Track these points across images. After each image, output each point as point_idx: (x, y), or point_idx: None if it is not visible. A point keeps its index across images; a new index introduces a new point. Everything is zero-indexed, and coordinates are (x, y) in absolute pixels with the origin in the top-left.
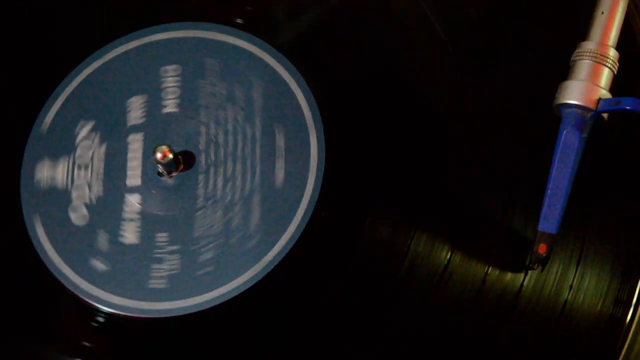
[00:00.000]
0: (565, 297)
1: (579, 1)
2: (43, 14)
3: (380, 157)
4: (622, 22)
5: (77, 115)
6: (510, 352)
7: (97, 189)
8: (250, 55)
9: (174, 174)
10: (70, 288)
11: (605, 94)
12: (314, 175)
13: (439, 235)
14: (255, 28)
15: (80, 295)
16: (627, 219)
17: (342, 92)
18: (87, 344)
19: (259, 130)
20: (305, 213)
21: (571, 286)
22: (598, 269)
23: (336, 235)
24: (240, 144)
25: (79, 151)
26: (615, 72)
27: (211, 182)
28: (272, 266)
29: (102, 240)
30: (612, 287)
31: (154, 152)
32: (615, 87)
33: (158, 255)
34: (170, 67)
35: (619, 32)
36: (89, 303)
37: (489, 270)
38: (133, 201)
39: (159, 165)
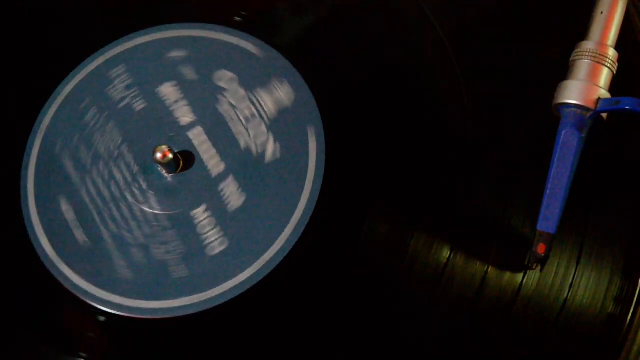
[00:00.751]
0: (565, 296)
1: (578, 1)
2: (43, 14)
3: (380, 157)
4: (621, 22)
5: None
6: (510, 352)
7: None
8: (250, 55)
9: (174, 173)
10: (70, 288)
11: (604, 93)
12: (314, 175)
13: (438, 235)
14: (255, 28)
15: (80, 296)
16: (627, 219)
17: (342, 92)
18: (86, 343)
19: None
20: (305, 213)
21: (571, 285)
22: (598, 269)
23: (336, 235)
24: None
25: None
26: (615, 72)
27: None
28: (272, 266)
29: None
30: (612, 287)
31: (154, 152)
32: (615, 87)
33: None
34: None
35: (618, 32)
36: (89, 303)
37: (489, 270)
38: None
39: (159, 165)
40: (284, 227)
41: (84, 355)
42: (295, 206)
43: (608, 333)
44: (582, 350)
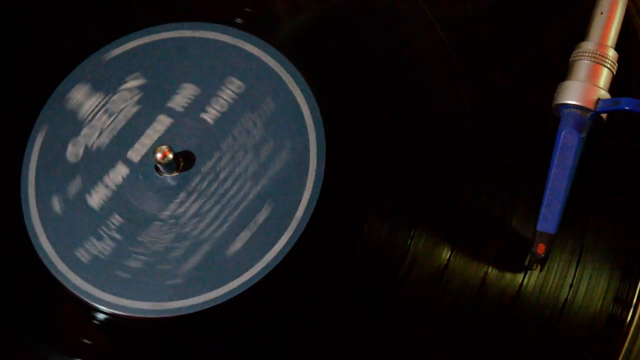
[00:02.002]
0: (565, 296)
1: (578, 1)
2: (43, 14)
3: (380, 157)
4: (621, 23)
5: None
6: (511, 352)
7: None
8: (250, 55)
9: (174, 173)
10: (70, 288)
11: (604, 94)
12: (314, 174)
13: (438, 235)
14: (255, 28)
15: (80, 296)
16: (627, 219)
17: (342, 92)
18: (87, 343)
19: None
20: (305, 213)
21: (571, 286)
22: (598, 269)
23: (336, 235)
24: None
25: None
26: (615, 73)
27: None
28: (273, 266)
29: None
30: (612, 287)
31: (154, 152)
32: (615, 87)
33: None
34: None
35: (618, 33)
36: (89, 303)
37: (489, 270)
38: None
39: (159, 165)
40: (285, 227)
41: (84, 355)
42: (295, 206)
43: (608, 333)
44: (582, 350)
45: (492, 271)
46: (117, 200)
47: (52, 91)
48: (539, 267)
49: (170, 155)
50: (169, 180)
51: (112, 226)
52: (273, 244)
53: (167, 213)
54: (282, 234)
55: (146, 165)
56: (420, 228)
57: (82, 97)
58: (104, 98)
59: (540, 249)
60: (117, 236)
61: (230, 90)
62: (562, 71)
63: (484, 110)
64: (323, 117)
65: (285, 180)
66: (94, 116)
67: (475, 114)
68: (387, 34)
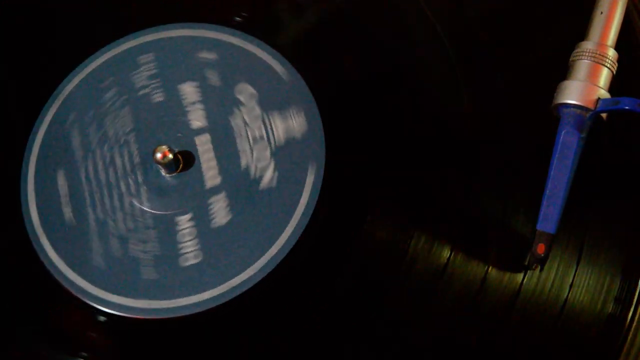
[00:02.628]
0: (565, 296)
1: (578, 1)
2: (43, 14)
3: (380, 157)
4: (621, 22)
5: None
6: (511, 352)
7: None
8: (250, 55)
9: (173, 173)
10: (70, 288)
11: (604, 94)
12: (314, 175)
13: (438, 235)
14: (255, 28)
15: (80, 296)
16: (627, 219)
17: (342, 92)
18: (87, 343)
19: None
20: (305, 213)
21: (571, 285)
22: (598, 269)
23: (336, 235)
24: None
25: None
26: (614, 72)
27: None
28: (272, 266)
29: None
30: (612, 287)
31: (154, 152)
32: (615, 87)
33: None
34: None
35: (618, 32)
36: (89, 303)
37: (489, 270)
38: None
39: (159, 165)
40: (284, 226)
41: (84, 355)
42: (295, 206)
43: (608, 333)
44: (582, 350)
45: (492, 271)
46: (119, 197)
47: (52, 91)
48: (538, 267)
49: (170, 155)
50: (169, 180)
51: (113, 224)
52: (273, 244)
53: (165, 213)
54: (282, 234)
55: (151, 179)
56: (420, 228)
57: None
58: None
59: (540, 248)
60: (118, 235)
61: (247, 105)
62: (562, 71)
63: (484, 110)
64: (323, 117)
65: (284, 180)
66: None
67: (475, 114)
68: (388, 33)
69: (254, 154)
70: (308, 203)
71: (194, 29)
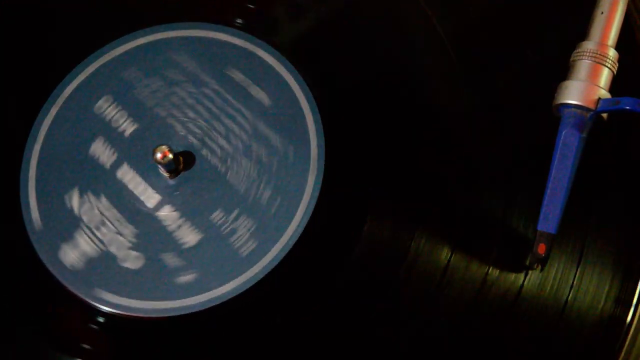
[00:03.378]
0: (566, 297)
1: (579, 1)
2: (43, 14)
3: (381, 157)
4: (621, 22)
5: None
6: (511, 352)
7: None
8: (251, 55)
9: (173, 173)
10: (71, 288)
11: (604, 94)
12: (314, 175)
13: (439, 236)
14: (255, 28)
15: (80, 295)
16: (627, 219)
17: (342, 92)
18: (87, 343)
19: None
20: (305, 213)
21: (572, 286)
22: (598, 269)
23: (336, 235)
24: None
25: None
26: (615, 72)
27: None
28: (273, 266)
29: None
30: (613, 287)
31: (154, 152)
32: (615, 87)
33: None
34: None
35: (618, 32)
36: (89, 303)
37: (490, 270)
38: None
39: (159, 165)
40: (285, 227)
41: (84, 355)
42: (295, 206)
43: (608, 333)
44: (582, 350)
45: (492, 271)
46: (118, 197)
47: (52, 91)
48: (539, 267)
49: (170, 155)
50: (169, 181)
51: (163, 244)
52: (273, 244)
53: (164, 213)
54: (282, 234)
55: (152, 179)
56: (421, 228)
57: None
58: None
59: (541, 248)
60: (118, 235)
61: (229, 90)
62: (563, 71)
63: (484, 110)
64: (323, 117)
65: (284, 179)
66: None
67: (476, 114)
68: (388, 33)
69: (253, 159)
70: (309, 203)
71: (192, 30)
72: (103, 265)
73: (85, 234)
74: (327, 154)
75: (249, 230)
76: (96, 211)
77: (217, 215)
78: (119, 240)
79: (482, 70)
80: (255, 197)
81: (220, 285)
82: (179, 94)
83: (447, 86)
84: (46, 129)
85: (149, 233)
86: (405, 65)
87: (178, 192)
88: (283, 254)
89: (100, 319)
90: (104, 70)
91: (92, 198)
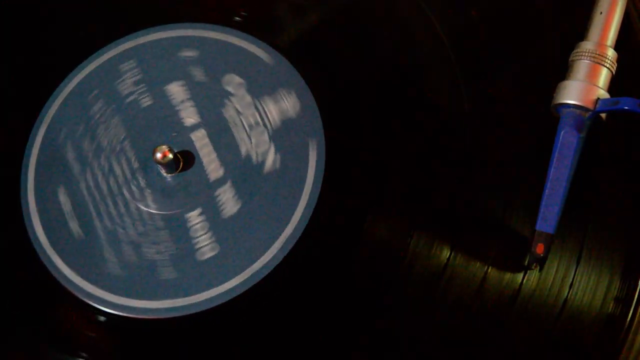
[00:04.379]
0: (565, 296)
1: (578, 1)
2: (43, 14)
3: (380, 157)
4: (620, 22)
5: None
6: (510, 352)
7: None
8: (250, 55)
9: (174, 173)
10: (71, 288)
11: (603, 94)
12: (314, 175)
13: (438, 236)
14: (255, 28)
15: (80, 296)
16: (627, 219)
17: (342, 92)
18: (87, 343)
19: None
20: (305, 213)
21: (571, 285)
22: (598, 269)
23: (336, 235)
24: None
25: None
26: (614, 72)
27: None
28: (273, 266)
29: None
30: (612, 287)
31: (154, 152)
32: (614, 87)
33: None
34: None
35: (617, 32)
36: (89, 303)
37: (489, 270)
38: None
39: (159, 165)
40: (284, 226)
41: (84, 355)
42: (295, 206)
43: (608, 333)
44: (582, 350)
45: (491, 271)
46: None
47: (53, 90)
48: (538, 267)
49: (170, 155)
50: (169, 180)
51: (163, 244)
52: (273, 243)
53: (145, 207)
54: (282, 233)
55: (151, 178)
56: (420, 228)
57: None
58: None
59: (539, 248)
60: (118, 234)
61: (237, 95)
62: (562, 71)
63: (484, 110)
64: (323, 117)
65: (284, 179)
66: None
67: (475, 114)
68: (388, 34)
69: (253, 140)
70: (308, 203)
71: (173, 30)
72: (94, 260)
73: (81, 226)
74: (327, 153)
75: (249, 230)
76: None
77: (216, 215)
78: (112, 236)
79: (482, 70)
80: (254, 197)
81: (220, 285)
82: (166, 94)
83: (446, 86)
84: (51, 117)
85: (142, 232)
86: (405, 65)
87: (183, 190)
88: (283, 254)
89: (101, 319)
90: (103, 71)
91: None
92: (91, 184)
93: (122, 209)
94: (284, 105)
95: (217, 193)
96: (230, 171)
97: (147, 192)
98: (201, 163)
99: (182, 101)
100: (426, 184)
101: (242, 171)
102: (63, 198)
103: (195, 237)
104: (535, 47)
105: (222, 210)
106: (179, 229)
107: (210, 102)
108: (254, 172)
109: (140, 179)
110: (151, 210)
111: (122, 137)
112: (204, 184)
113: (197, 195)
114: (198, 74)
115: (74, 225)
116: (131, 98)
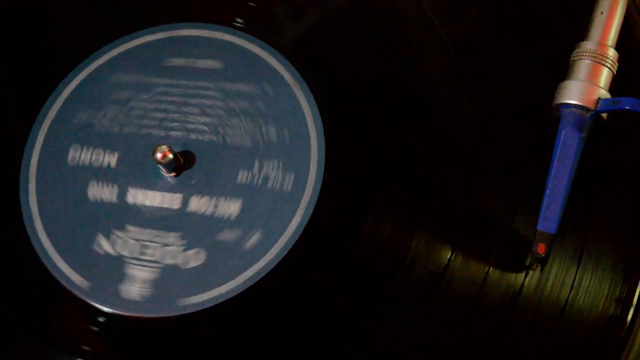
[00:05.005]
0: (566, 296)
1: (578, 1)
2: (43, 14)
3: (381, 157)
4: (621, 22)
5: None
6: (511, 352)
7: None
8: (251, 55)
9: (174, 173)
10: (70, 288)
11: (604, 93)
12: (314, 175)
13: (439, 236)
14: (256, 28)
15: (80, 296)
16: (627, 219)
17: (342, 92)
18: (87, 343)
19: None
20: (305, 213)
21: (572, 286)
22: (599, 269)
23: (336, 235)
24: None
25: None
26: (615, 72)
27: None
28: (273, 266)
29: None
30: (613, 287)
31: (154, 152)
32: (615, 86)
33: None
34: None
35: (618, 32)
36: (89, 303)
37: (489, 270)
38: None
39: (159, 165)
40: (285, 226)
41: (84, 355)
42: (295, 206)
43: (609, 333)
44: (582, 350)
45: (492, 271)
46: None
47: (54, 88)
48: (539, 267)
49: (170, 155)
50: (169, 180)
51: (163, 244)
52: (273, 244)
53: (145, 204)
54: (283, 233)
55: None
56: (421, 228)
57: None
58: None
59: (541, 248)
60: (120, 235)
61: (229, 90)
62: (563, 71)
63: (484, 110)
64: (323, 117)
65: (285, 180)
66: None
67: (476, 113)
68: (388, 34)
69: (256, 160)
70: (308, 203)
71: (173, 30)
72: (103, 265)
73: (135, 265)
74: (327, 153)
75: (277, 167)
76: (131, 241)
77: (242, 176)
78: (120, 240)
79: (482, 70)
80: (254, 197)
81: (220, 285)
82: (178, 93)
83: (447, 86)
84: (46, 129)
85: (150, 233)
86: (405, 65)
87: (194, 181)
88: (283, 254)
89: (101, 319)
90: (102, 70)
91: (119, 234)
92: (91, 183)
93: (122, 209)
94: (284, 106)
95: (217, 193)
96: (232, 169)
97: (147, 192)
98: (201, 163)
99: (185, 103)
100: (427, 184)
101: (244, 169)
102: (63, 198)
103: (198, 237)
104: (536, 47)
105: (223, 209)
106: (179, 229)
107: (209, 104)
108: (253, 188)
109: (140, 178)
110: (151, 211)
111: (123, 137)
112: (204, 184)
113: (197, 195)
114: (198, 75)
115: (69, 212)
116: (132, 98)
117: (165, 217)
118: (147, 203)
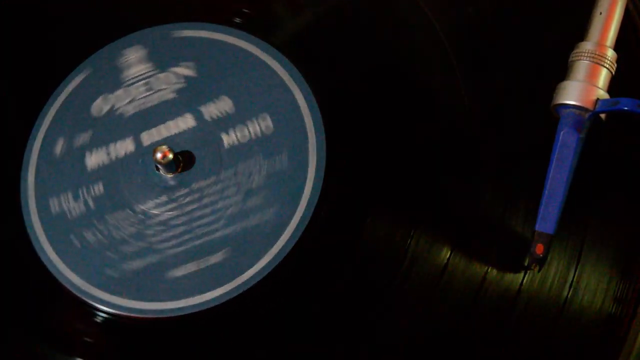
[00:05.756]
0: (565, 296)
1: (577, 1)
2: (43, 14)
3: (380, 157)
4: (620, 23)
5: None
6: (510, 352)
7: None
8: (250, 55)
9: (174, 173)
10: (70, 288)
11: (603, 94)
12: (314, 175)
13: (438, 236)
14: (255, 28)
15: (80, 295)
16: (627, 219)
17: (342, 92)
18: (87, 343)
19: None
20: (305, 213)
21: (571, 285)
22: (598, 269)
23: (336, 235)
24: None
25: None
26: (613, 73)
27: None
28: (272, 266)
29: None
30: (612, 286)
31: (154, 152)
32: (614, 87)
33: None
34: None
35: (617, 33)
36: (89, 303)
37: (489, 271)
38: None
39: (159, 165)
40: (284, 226)
41: (84, 355)
42: (295, 206)
43: (608, 333)
44: (582, 350)
45: (491, 271)
46: (109, 171)
47: (56, 87)
48: (537, 267)
49: (170, 156)
50: (164, 178)
51: (163, 244)
52: (272, 244)
53: (141, 207)
54: (283, 233)
55: (149, 154)
56: (420, 228)
57: (134, 60)
58: (152, 71)
59: (539, 249)
60: (118, 235)
61: (229, 90)
62: (562, 71)
63: (484, 110)
64: (323, 117)
65: (284, 180)
66: (134, 83)
67: (475, 113)
68: (387, 33)
69: (254, 156)
70: (308, 203)
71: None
72: (103, 265)
73: (87, 233)
74: (326, 153)
75: (249, 230)
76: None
77: (217, 217)
78: (120, 240)
79: (481, 70)
80: (254, 197)
81: (220, 286)
82: (178, 93)
83: (446, 85)
84: (46, 129)
85: (149, 233)
86: (404, 65)
87: (160, 194)
88: (283, 254)
89: (100, 319)
90: (104, 71)
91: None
92: (91, 183)
93: (122, 209)
94: (284, 106)
95: (217, 192)
96: (231, 169)
97: (147, 192)
98: (201, 163)
99: (184, 103)
100: (426, 184)
101: (243, 169)
102: (63, 198)
103: (197, 237)
104: (535, 47)
105: (223, 210)
106: (179, 229)
107: (209, 104)
108: (251, 187)
109: (140, 178)
110: (151, 211)
111: (123, 137)
112: (204, 184)
113: (198, 195)
114: (195, 74)
115: (69, 212)
116: (132, 98)
117: (164, 222)
118: (148, 207)
